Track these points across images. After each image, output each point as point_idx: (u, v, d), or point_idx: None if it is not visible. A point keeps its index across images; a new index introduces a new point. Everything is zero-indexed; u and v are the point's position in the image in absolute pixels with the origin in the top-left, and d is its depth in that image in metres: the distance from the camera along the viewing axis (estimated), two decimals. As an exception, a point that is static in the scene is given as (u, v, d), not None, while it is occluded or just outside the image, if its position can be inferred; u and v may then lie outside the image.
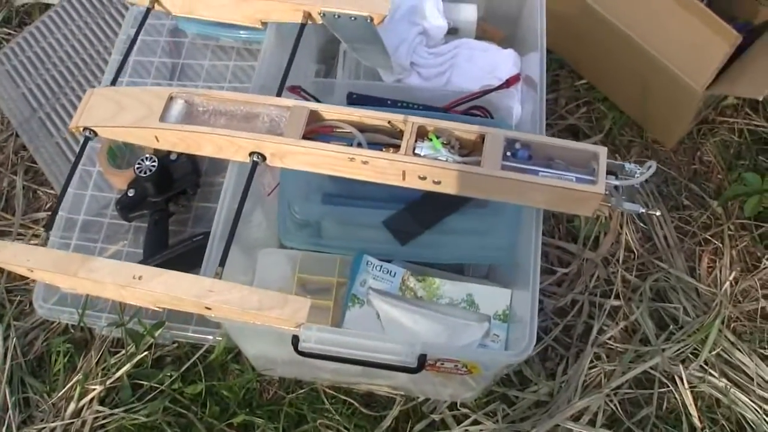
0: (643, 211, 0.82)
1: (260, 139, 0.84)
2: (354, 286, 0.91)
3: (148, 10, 1.00)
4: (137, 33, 0.99)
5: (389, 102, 1.05)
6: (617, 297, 1.12)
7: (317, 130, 0.86)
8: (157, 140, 0.88)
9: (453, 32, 1.15)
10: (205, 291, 0.77)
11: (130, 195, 1.13)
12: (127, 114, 0.88)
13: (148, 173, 1.11)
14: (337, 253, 0.98)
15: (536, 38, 1.01)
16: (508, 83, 1.05)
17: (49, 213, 1.20)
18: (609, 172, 0.81)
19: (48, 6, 1.39)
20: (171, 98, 0.88)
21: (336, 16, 0.94)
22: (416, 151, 0.82)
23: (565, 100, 1.27)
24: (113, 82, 0.96)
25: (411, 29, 1.09)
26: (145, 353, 1.04)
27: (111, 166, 1.17)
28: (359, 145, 0.84)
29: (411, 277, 0.93)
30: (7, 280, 1.15)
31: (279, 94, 0.91)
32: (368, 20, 0.93)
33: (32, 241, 1.18)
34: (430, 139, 0.82)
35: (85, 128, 0.90)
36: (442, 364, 0.86)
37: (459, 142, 0.84)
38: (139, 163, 1.11)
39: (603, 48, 1.19)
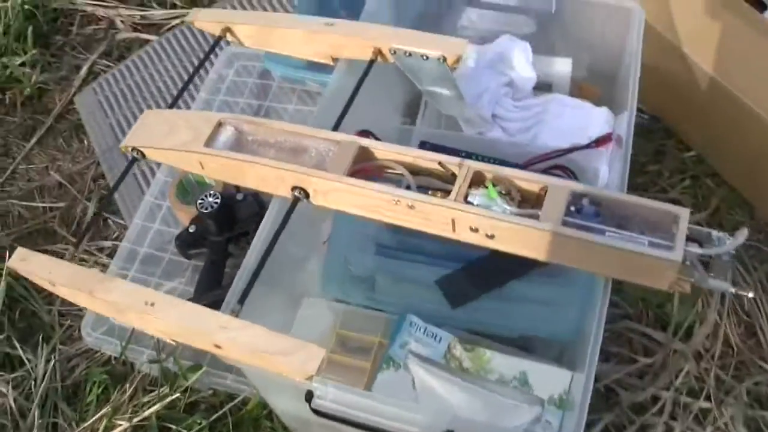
0: (733, 291, 0.69)
1: (303, 173, 0.77)
2: (392, 347, 0.82)
3: (219, 39, 0.98)
4: (205, 57, 0.97)
5: (463, 154, 0.96)
6: (707, 398, 0.96)
7: (367, 170, 0.79)
8: (202, 167, 0.84)
9: (546, 87, 1.07)
10: (216, 327, 0.70)
11: (191, 231, 1.09)
12: (175, 137, 0.85)
13: (210, 210, 1.06)
14: (388, 310, 0.90)
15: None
16: (597, 143, 0.95)
17: (116, 242, 1.17)
18: (692, 240, 0.69)
19: (147, 42, 1.41)
20: (220, 124, 0.84)
21: (407, 54, 0.88)
22: (469, 199, 0.73)
23: (668, 173, 1.14)
24: (172, 105, 0.94)
25: (496, 79, 1.01)
26: (178, 395, 0.98)
27: (179, 201, 1.14)
28: (408, 187, 0.76)
29: (458, 345, 0.82)
30: (61, 303, 1.13)
31: (335, 130, 0.85)
32: (441, 60, 0.87)
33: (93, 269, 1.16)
34: (486, 187, 0.73)
35: (133, 148, 0.87)
36: (479, 448, 0.75)
37: (521, 193, 0.74)
38: (201, 199, 1.07)
39: (713, 114, 1.07)
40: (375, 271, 0.89)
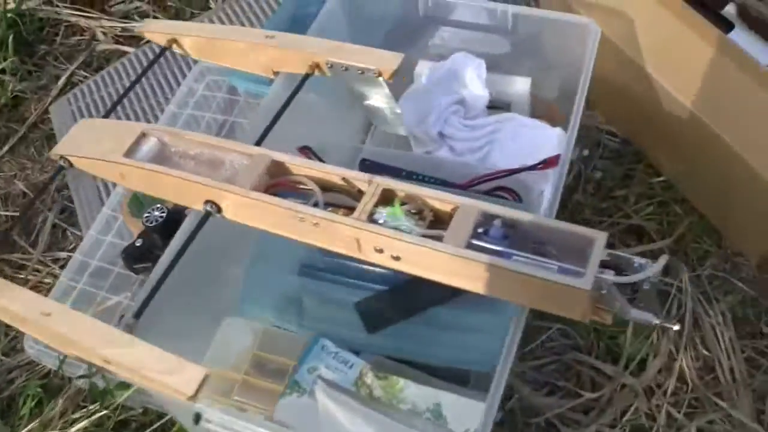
0: (657, 323, 0.63)
1: (212, 186, 0.75)
2: (299, 372, 0.78)
3: (163, 50, 0.96)
4: (148, 67, 0.95)
5: (404, 173, 0.93)
6: (655, 437, 0.90)
7: (282, 184, 0.76)
8: (123, 177, 0.82)
9: (505, 107, 1.03)
10: (104, 341, 0.68)
11: (137, 245, 1.07)
12: (99, 146, 0.83)
13: (155, 224, 1.04)
14: (315, 333, 0.86)
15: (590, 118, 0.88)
16: (545, 164, 0.90)
17: (71, 254, 1.16)
18: (610, 267, 0.64)
19: (127, 54, 1.40)
20: (143, 135, 0.82)
21: (343, 68, 0.85)
22: (375, 218, 0.69)
23: (635, 198, 1.08)
24: (107, 115, 0.92)
25: (445, 97, 0.98)
26: (107, 412, 0.96)
27: (131, 214, 1.12)
28: (316, 204, 0.73)
29: (370, 373, 0.78)
30: (9, 314, 1.12)
31: (258, 144, 0.82)
32: (376, 75, 0.84)
33: (46, 280, 1.15)
34: (393, 206, 0.70)
35: (61, 157, 0.86)
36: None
37: (433, 213, 0.70)
38: (148, 213, 1.05)
39: (681, 139, 1.01)
40: (299, 292, 0.86)
